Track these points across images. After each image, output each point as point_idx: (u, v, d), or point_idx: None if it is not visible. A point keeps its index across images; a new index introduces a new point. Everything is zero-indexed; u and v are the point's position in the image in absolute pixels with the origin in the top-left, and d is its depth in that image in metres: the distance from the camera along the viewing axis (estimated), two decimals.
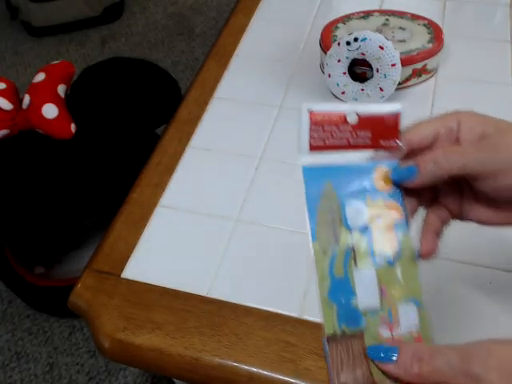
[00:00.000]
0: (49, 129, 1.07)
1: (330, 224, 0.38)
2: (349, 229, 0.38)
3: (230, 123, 0.71)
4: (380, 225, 0.38)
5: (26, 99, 1.07)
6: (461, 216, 0.39)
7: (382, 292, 0.37)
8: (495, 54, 0.77)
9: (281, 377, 0.48)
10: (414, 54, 0.71)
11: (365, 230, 0.38)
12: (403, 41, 0.73)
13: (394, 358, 0.34)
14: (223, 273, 0.56)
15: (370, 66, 0.69)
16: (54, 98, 1.07)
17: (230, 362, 0.49)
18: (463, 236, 0.56)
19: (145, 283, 0.56)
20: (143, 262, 0.58)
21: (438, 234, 0.38)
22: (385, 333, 0.36)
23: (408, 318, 0.36)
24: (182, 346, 0.51)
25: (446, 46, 0.75)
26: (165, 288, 0.55)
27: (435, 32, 0.74)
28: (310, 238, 0.37)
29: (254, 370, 0.49)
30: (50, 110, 1.05)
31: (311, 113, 0.37)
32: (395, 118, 0.38)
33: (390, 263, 0.37)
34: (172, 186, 0.64)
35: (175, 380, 0.64)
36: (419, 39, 0.73)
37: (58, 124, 1.06)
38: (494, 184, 0.35)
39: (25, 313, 1.41)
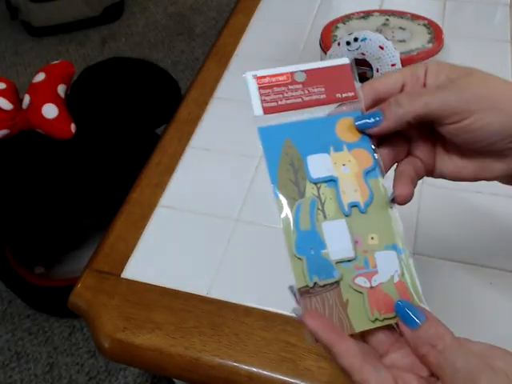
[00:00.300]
0: (49, 129, 1.07)
1: (292, 180, 0.36)
2: (313, 182, 0.37)
3: (230, 123, 0.71)
4: (347, 173, 0.37)
5: (26, 99, 1.07)
6: (434, 171, 0.38)
7: (356, 242, 0.36)
8: (495, 54, 0.77)
9: (281, 377, 0.48)
10: (414, 53, 0.71)
11: (331, 181, 0.37)
12: (403, 41, 0.73)
13: (419, 323, 0.32)
14: (223, 273, 0.56)
15: (369, 65, 0.69)
16: (54, 98, 1.07)
17: (229, 362, 0.49)
18: (463, 236, 0.57)
19: (145, 283, 0.56)
20: (143, 262, 0.58)
21: (412, 180, 0.37)
22: (362, 281, 0.35)
23: (387, 265, 0.35)
24: (182, 346, 0.51)
25: (446, 46, 0.75)
26: (165, 288, 0.55)
27: (435, 32, 0.74)
28: (272, 196, 0.36)
29: (254, 370, 0.49)
30: (50, 110, 1.05)
31: (257, 77, 0.37)
32: (346, 68, 0.38)
33: (362, 211, 0.36)
34: (172, 186, 0.64)
35: (175, 380, 0.64)
36: (419, 39, 0.73)
37: (58, 124, 1.06)
38: (460, 126, 0.34)
39: (25, 313, 1.41)
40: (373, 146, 0.37)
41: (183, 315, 0.53)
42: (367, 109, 0.37)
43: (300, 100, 0.37)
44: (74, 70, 1.15)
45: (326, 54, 0.72)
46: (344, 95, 0.38)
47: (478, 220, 0.57)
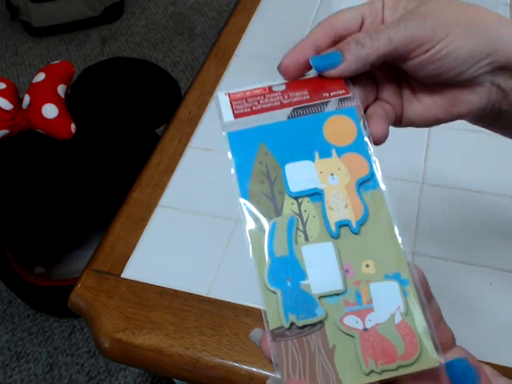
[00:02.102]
0: (49, 129, 1.07)
1: (267, 194, 0.30)
2: (293, 196, 0.30)
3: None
4: (336, 185, 0.30)
5: (26, 99, 1.07)
6: (402, 117, 0.35)
7: (346, 270, 0.28)
8: None
9: (281, 376, 0.48)
10: None
11: (315, 194, 0.30)
12: None
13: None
14: (223, 273, 0.56)
15: None
16: (54, 98, 1.07)
17: (230, 362, 0.49)
18: (463, 236, 0.57)
19: (145, 283, 0.56)
20: (143, 262, 0.58)
21: (385, 119, 0.33)
22: (353, 321, 0.27)
23: (386, 300, 0.28)
24: (182, 346, 0.51)
25: None
26: (165, 288, 0.55)
27: None
28: (241, 214, 0.30)
29: (254, 370, 0.49)
30: (50, 110, 1.05)
31: (229, 94, 0.32)
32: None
33: (354, 231, 0.29)
34: (172, 186, 0.64)
35: (175, 380, 0.64)
36: None
37: (58, 124, 1.06)
38: (426, 56, 0.31)
39: (25, 313, 1.41)
40: (371, 150, 0.31)
41: (183, 315, 0.53)
42: (324, 50, 0.33)
43: (278, 103, 0.32)
44: (73, 70, 1.15)
45: None
46: (332, 93, 0.32)
47: (478, 220, 0.57)
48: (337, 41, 0.33)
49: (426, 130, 0.65)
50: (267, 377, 0.49)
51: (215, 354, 0.50)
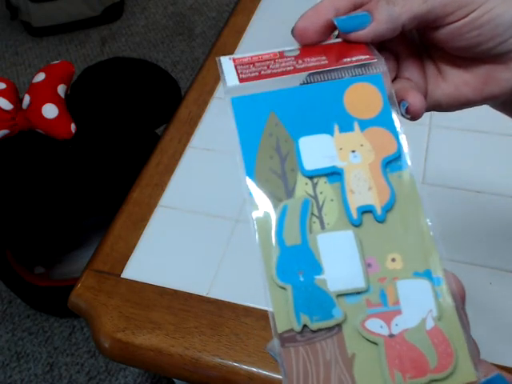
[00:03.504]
0: (49, 129, 1.07)
1: (277, 172, 0.26)
2: (307, 175, 0.26)
3: (230, 123, 0.71)
4: (358, 164, 0.26)
5: (26, 99, 1.07)
6: (425, 98, 0.31)
7: (368, 265, 0.25)
8: None
9: (281, 377, 0.48)
10: None
11: (333, 173, 0.26)
12: None
13: None
14: (223, 273, 0.56)
15: None
16: (54, 98, 1.07)
17: (230, 362, 0.49)
18: (463, 236, 0.56)
19: (145, 283, 0.56)
20: (143, 262, 0.58)
21: (418, 91, 0.30)
22: (376, 326, 0.24)
23: (416, 302, 0.24)
24: (182, 346, 0.51)
25: None
26: (165, 288, 0.55)
27: None
28: (246, 194, 0.26)
29: (254, 370, 0.49)
30: (50, 110, 1.05)
31: (234, 59, 0.28)
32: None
33: (379, 219, 0.25)
34: (172, 186, 0.64)
35: (175, 380, 0.64)
36: None
37: (58, 124, 1.06)
38: (465, 22, 0.28)
39: (25, 313, 1.41)
40: (398, 125, 0.27)
41: (183, 315, 0.53)
42: (345, 14, 0.29)
43: (291, 68, 0.28)
44: (73, 70, 1.15)
45: None
46: (355, 58, 0.28)
47: (478, 220, 0.57)
48: (358, 7, 0.29)
49: (425, 130, 0.65)
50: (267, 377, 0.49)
51: (215, 354, 0.50)
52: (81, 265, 0.68)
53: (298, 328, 0.23)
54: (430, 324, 0.24)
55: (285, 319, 0.24)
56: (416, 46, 0.32)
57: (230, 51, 0.82)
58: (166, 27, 2.25)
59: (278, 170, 0.26)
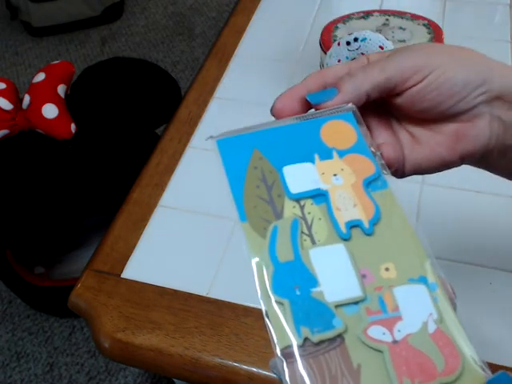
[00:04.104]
0: (49, 129, 1.07)
1: (265, 198, 0.27)
2: (294, 198, 0.27)
3: (230, 123, 0.71)
4: (341, 185, 0.27)
5: (26, 99, 1.07)
6: (404, 165, 0.33)
7: (363, 276, 0.25)
8: (495, 54, 0.77)
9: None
10: None
11: (318, 195, 0.27)
12: (403, 41, 0.73)
13: None
14: (223, 273, 0.56)
15: None
16: (54, 98, 1.07)
17: (230, 362, 0.49)
18: (463, 236, 0.57)
19: (145, 283, 0.56)
20: (143, 262, 0.58)
21: (395, 146, 0.33)
22: (379, 333, 0.23)
23: (415, 305, 0.24)
24: (182, 346, 0.51)
25: None
26: (165, 288, 0.55)
27: (435, 32, 0.74)
28: (238, 218, 0.27)
29: (254, 370, 0.49)
30: (50, 110, 1.05)
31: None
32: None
33: (367, 232, 0.26)
34: (172, 186, 0.64)
35: (175, 380, 0.64)
36: (419, 39, 0.73)
37: (58, 124, 1.06)
38: (423, 85, 0.31)
39: (25, 313, 1.41)
40: (372, 149, 0.29)
41: (183, 315, 0.53)
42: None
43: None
44: (73, 70, 1.15)
45: (325, 53, 0.72)
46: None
47: (478, 220, 0.57)
48: (327, 87, 0.33)
49: None
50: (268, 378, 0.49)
51: (215, 354, 0.50)
52: (81, 265, 0.68)
53: (299, 341, 0.23)
54: (432, 327, 0.23)
55: (284, 335, 0.23)
56: (386, 115, 0.34)
57: (229, 51, 0.82)
58: (166, 27, 2.25)
59: (265, 196, 0.27)
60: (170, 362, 0.51)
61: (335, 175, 0.28)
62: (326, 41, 0.75)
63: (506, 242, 0.55)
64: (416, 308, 0.24)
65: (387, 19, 0.78)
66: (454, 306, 0.25)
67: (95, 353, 1.32)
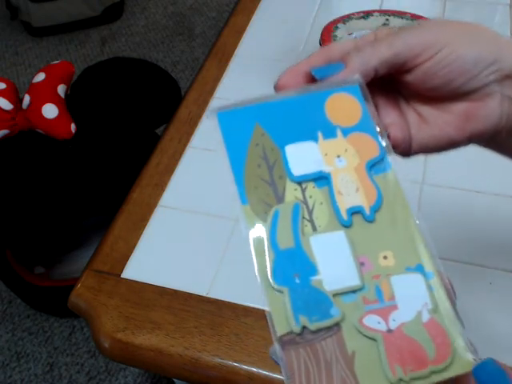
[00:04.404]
0: (49, 129, 1.07)
1: (266, 179, 0.27)
2: (296, 181, 0.27)
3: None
4: (343, 167, 0.27)
5: (26, 99, 1.07)
6: (411, 144, 0.32)
7: (361, 263, 0.25)
8: None
9: (280, 377, 0.48)
10: None
11: (321, 178, 0.27)
12: None
13: None
14: (223, 273, 0.56)
15: None
16: (54, 98, 1.07)
17: (230, 362, 0.49)
18: (463, 236, 0.57)
19: (145, 283, 0.56)
20: (143, 262, 0.58)
21: (403, 127, 0.32)
22: (374, 322, 0.24)
23: (410, 295, 0.25)
24: (182, 346, 0.51)
25: None
26: (165, 288, 0.55)
27: None
28: (238, 200, 0.27)
29: (254, 370, 0.49)
30: (50, 110, 1.05)
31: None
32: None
33: (368, 219, 0.26)
34: (172, 186, 0.64)
35: (175, 380, 0.64)
36: None
37: (58, 124, 1.06)
38: (433, 62, 0.30)
39: (25, 313, 1.41)
40: (377, 129, 0.28)
41: (183, 315, 0.53)
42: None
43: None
44: (73, 70, 1.15)
45: None
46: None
47: (478, 220, 0.57)
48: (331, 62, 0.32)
49: None
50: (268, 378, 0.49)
51: (215, 353, 0.50)
52: (81, 265, 0.68)
53: (297, 329, 0.24)
54: (425, 317, 0.24)
55: (284, 322, 0.24)
56: (393, 94, 0.34)
57: (229, 51, 0.82)
58: (166, 27, 2.25)
59: (266, 177, 0.27)
60: (169, 362, 0.51)
61: (338, 156, 0.27)
62: (326, 41, 0.75)
63: (506, 242, 0.55)
64: (411, 297, 0.24)
65: (387, 19, 0.78)
66: (453, 300, 0.25)
67: (95, 353, 1.32)
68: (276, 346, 0.24)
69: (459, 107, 0.32)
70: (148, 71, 1.25)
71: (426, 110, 0.33)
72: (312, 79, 0.30)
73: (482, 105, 0.32)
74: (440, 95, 0.32)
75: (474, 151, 0.63)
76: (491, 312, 0.51)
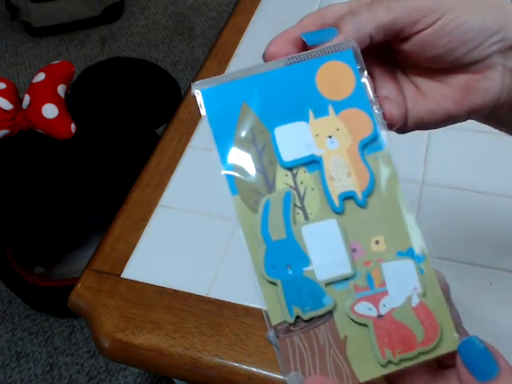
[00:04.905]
0: (49, 129, 1.07)
1: (255, 164, 0.26)
2: (286, 167, 0.26)
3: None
4: (335, 149, 0.26)
5: (26, 99, 1.07)
6: (406, 118, 0.30)
7: (353, 250, 0.25)
8: None
9: (281, 377, 0.48)
10: None
11: (312, 162, 0.26)
12: None
13: (493, 376, 0.24)
14: (223, 273, 0.56)
15: None
16: (54, 98, 1.07)
17: (230, 362, 0.49)
18: (463, 236, 0.57)
19: (145, 283, 0.56)
20: (143, 262, 0.58)
21: (397, 102, 0.30)
22: (365, 308, 0.25)
23: (400, 281, 0.25)
24: (182, 346, 0.51)
25: None
26: (165, 288, 0.55)
27: None
28: (228, 189, 0.27)
29: (254, 370, 0.49)
30: (50, 110, 1.05)
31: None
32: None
33: (360, 204, 0.26)
34: (172, 186, 0.64)
35: (175, 380, 0.64)
36: None
37: (58, 124, 1.06)
38: (433, 30, 0.28)
39: (25, 313, 1.41)
40: (375, 108, 0.27)
41: (183, 315, 0.53)
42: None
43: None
44: (73, 70, 1.15)
45: None
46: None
47: (478, 220, 0.57)
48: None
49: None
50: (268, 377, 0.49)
51: (215, 353, 0.50)
52: (81, 265, 0.68)
53: (291, 320, 0.25)
54: (415, 301, 0.25)
55: (278, 312, 0.25)
56: (390, 64, 0.32)
57: (229, 51, 0.82)
58: (166, 27, 2.25)
59: (256, 163, 0.26)
60: (169, 362, 0.51)
61: (330, 137, 0.26)
62: None
63: (506, 242, 0.55)
64: (402, 283, 0.25)
65: None
66: (444, 283, 0.26)
67: (95, 353, 1.32)
68: (271, 335, 0.25)
69: (458, 80, 0.30)
70: (148, 71, 1.25)
71: (424, 83, 0.31)
72: (303, 46, 0.29)
73: (483, 77, 0.30)
74: (439, 66, 0.30)
75: (474, 151, 0.63)
76: (491, 312, 0.51)
